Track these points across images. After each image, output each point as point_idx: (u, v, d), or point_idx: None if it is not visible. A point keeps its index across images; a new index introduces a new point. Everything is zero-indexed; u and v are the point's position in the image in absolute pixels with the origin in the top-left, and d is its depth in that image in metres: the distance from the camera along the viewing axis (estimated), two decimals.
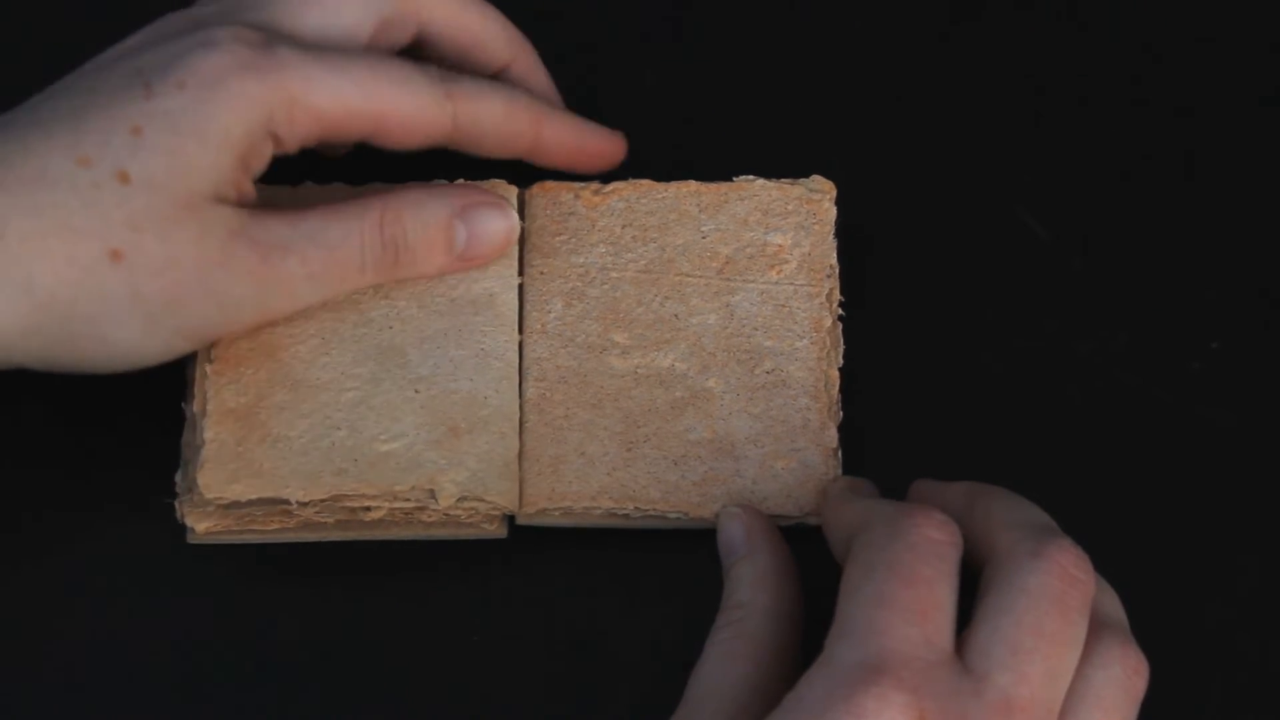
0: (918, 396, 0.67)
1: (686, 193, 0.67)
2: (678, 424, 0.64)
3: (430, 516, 0.63)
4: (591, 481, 0.64)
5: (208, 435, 0.63)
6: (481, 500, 0.63)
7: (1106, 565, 0.59)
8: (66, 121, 0.60)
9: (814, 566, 0.62)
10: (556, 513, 0.64)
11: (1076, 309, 0.68)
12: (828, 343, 0.65)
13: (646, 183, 0.67)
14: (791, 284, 0.66)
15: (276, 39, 0.62)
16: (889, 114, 0.71)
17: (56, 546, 0.64)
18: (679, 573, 0.64)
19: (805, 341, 0.65)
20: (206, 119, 0.60)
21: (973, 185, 0.70)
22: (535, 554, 0.64)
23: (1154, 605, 0.61)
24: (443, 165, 0.67)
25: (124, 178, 0.60)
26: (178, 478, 0.63)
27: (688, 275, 0.66)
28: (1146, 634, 0.59)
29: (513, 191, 0.67)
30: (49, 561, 0.64)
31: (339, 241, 0.62)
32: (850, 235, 0.66)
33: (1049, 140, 0.71)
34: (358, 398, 0.64)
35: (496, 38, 0.67)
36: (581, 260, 0.67)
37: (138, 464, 0.65)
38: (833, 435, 0.64)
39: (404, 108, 0.63)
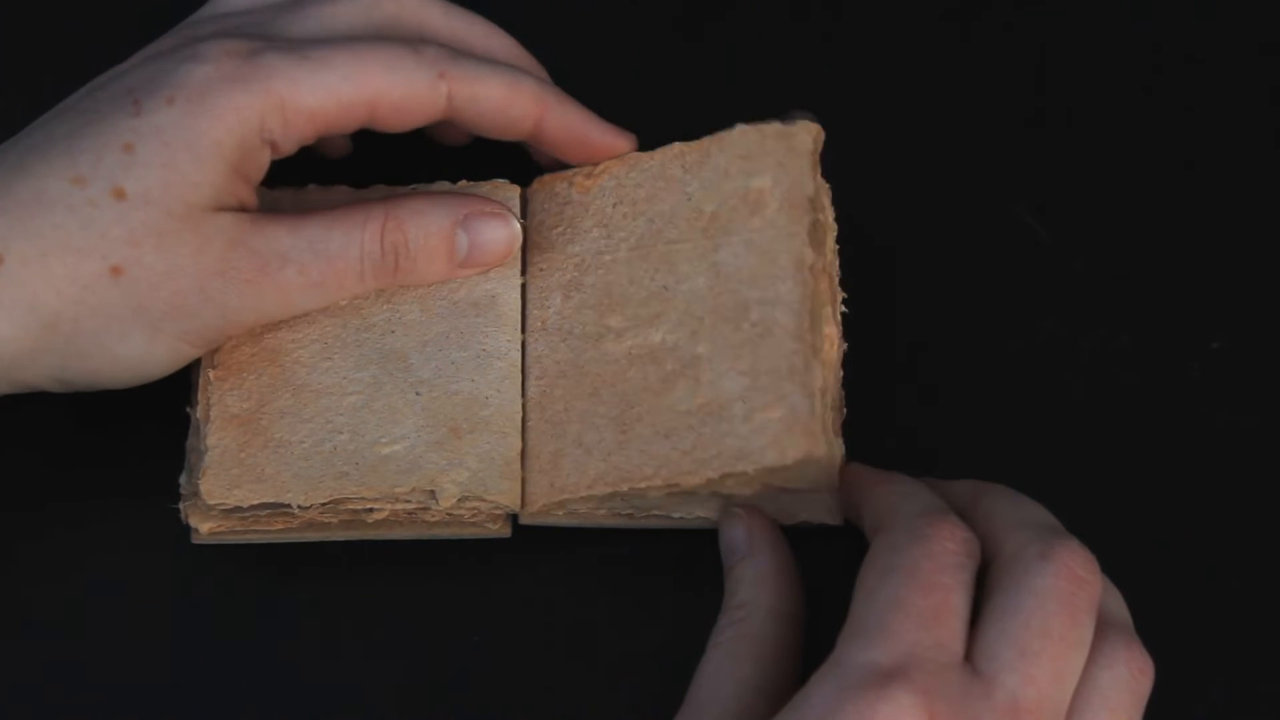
0: (918, 396, 0.67)
1: (671, 156, 0.66)
2: (669, 397, 0.63)
3: (433, 517, 0.63)
4: (588, 470, 0.63)
5: (210, 441, 0.63)
6: (483, 500, 0.63)
7: (1107, 565, 0.59)
8: (61, 143, 0.61)
9: (816, 567, 0.62)
10: (560, 512, 0.64)
11: (1077, 309, 0.68)
12: (809, 280, 0.63)
13: (633, 155, 0.67)
14: (773, 227, 0.64)
15: (262, 46, 0.62)
16: (889, 114, 0.71)
17: (61, 545, 0.65)
18: (681, 573, 0.64)
19: (788, 283, 0.63)
20: (196, 132, 0.61)
21: (973, 185, 0.70)
22: (538, 554, 0.65)
23: (1154, 605, 0.61)
24: (444, 165, 0.67)
25: (120, 194, 0.60)
26: (182, 480, 0.64)
27: (675, 243, 0.65)
28: (1147, 633, 0.59)
29: (515, 191, 0.67)
30: (53, 560, 0.64)
31: (339, 250, 0.63)
32: (850, 235, 0.66)
33: (1049, 140, 0.71)
34: (359, 402, 0.64)
35: (500, 51, 0.66)
36: (577, 249, 0.66)
37: (143, 464, 0.65)
38: (817, 375, 0.62)
39: (395, 93, 0.63)
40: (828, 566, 0.62)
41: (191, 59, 0.62)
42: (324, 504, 0.63)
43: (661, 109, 0.71)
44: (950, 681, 0.55)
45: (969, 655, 0.56)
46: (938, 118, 0.71)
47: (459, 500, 0.63)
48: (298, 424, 0.63)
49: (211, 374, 0.64)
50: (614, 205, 0.66)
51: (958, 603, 0.56)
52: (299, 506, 0.62)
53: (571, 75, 0.68)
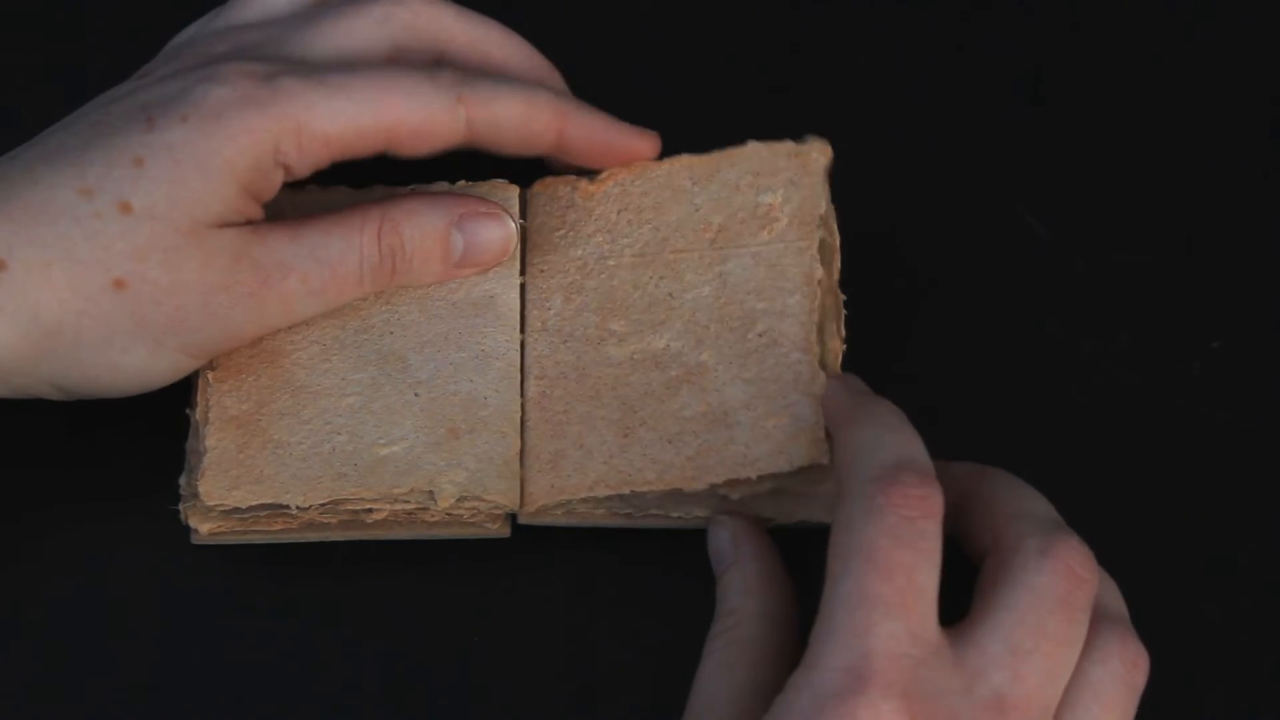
0: (918, 396, 0.67)
1: (679, 167, 0.66)
2: (673, 403, 0.63)
3: (432, 517, 0.64)
4: (589, 472, 0.63)
5: (209, 443, 0.63)
6: (481, 500, 0.63)
7: (1107, 564, 0.59)
8: (71, 154, 0.61)
9: (806, 568, 0.62)
10: (558, 511, 0.64)
11: (1078, 309, 0.68)
12: (818, 294, 0.64)
13: (640, 163, 0.67)
14: (783, 242, 0.64)
15: (281, 70, 0.62)
16: (889, 114, 0.71)
17: (62, 546, 0.65)
18: (681, 572, 0.64)
19: (796, 297, 0.64)
20: (208, 150, 0.61)
21: (973, 185, 0.70)
22: (537, 554, 0.65)
23: (1154, 604, 0.61)
24: (443, 165, 0.67)
25: (126, 208, 0.60)
26: (182, 481, 0.64)
27: (682, 251, 0.65)
28: (1147, 633, 0.59)
29: (514, 191, 0.67)
30: (53, 560, 0.65)
31: (339, 257, 0.63)
32: (851, 235, 0.66)
33: (1049, 140, 0.71)
34: (358, 403, 0.64)
35: (520, 62, 0.66)
36: (579, 253, 0.66)
37: (143, 465, 0.65)
38: (823, 382, 0.62)
39: (413, 119, 0.63)
40: (819, 568, 0.61)
41: (209, 79, 0.61)
42: (323, 505, 0.63)
43: (662, 110, 0.71)
44: (927, 676, 0.55)
45: (957, 645, 0.56)
46: (938, 118, 0.71)
47: (458, 500, 0.63)
48: (296, 425, 0.64)
49: (210, 375, 0.64)
50: (618, 211, 0.66)
51: (923, 580, 0.56)
52: (298, 507, 0.63)
53: (582, 83, 0.69)
